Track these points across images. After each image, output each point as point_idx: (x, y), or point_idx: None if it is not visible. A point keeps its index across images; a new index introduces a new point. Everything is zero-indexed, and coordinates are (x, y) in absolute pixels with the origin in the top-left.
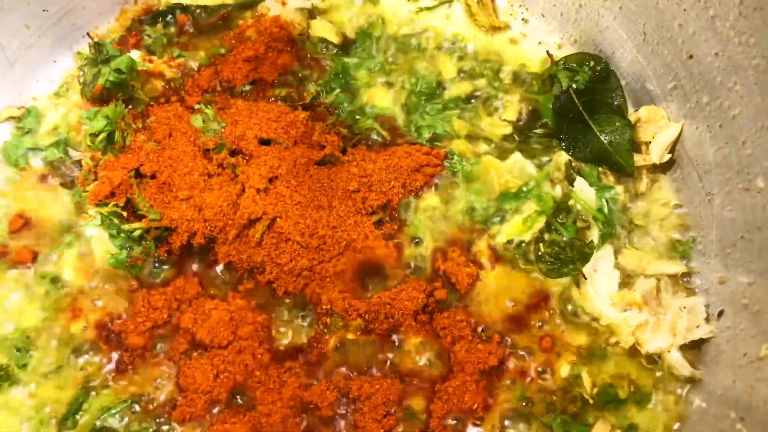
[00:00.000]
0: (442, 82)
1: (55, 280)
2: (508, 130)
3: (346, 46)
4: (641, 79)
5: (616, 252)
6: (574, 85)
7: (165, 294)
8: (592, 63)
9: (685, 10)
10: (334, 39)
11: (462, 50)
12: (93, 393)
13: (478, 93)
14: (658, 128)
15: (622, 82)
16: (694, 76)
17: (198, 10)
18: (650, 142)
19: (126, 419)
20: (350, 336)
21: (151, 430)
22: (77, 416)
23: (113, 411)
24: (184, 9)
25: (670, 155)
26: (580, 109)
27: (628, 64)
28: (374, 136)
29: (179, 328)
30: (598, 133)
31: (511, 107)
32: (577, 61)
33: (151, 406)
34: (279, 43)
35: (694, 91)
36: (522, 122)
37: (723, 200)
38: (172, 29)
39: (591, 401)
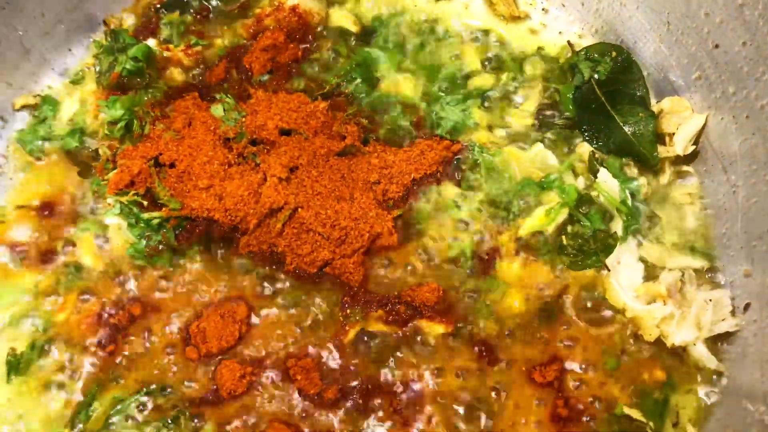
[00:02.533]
0: (465, 73)
1: (78, 268)
2: (529, 120)
3: (365, 35)
4: (664, 70)
5: (640, 244)
6: (596, 76)
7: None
8: (613, 53)
9: None
10: (353, 28)
11: (484, 41)
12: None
13: (500, 84)
14: (681, 119)
15: (645, 73)
16: (719, 66)
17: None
18: (674, 133)
19: (146, 408)
20: (371, 327)
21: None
22: (89, 410)
23: (128, 402)
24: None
25: (694, 147)
26: (602, 100)
27: (650, 55)
28: (401, 122)
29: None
30: (621, 124)
31: (533, 98)
32: (598, 51)
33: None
34: (297, 33)
35: (719, 81)
36: (544, 113)
37: (748, 192)
38: (189, 17)
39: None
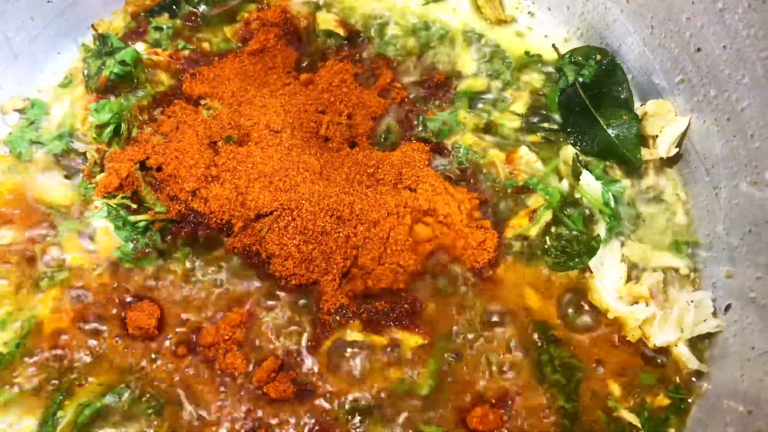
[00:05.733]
0: (456, 76)
1: (60, 268)
2: (516, 123)
3: (352, 38)
4: (648, 73)
5: (623, 246)
6: (580, 79)
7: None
8: (598, 56)
9: (693, 2)
10: (341, 31)
11: (476, 44)
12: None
13: (493, 88)
14: (665, 122)
15: (629, 76)
16: (701, 69)
17: (203, 3)
18: (657, 135)
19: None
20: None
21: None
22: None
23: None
24: (189, 1)
25: (677, 149)
26: (587, 102)
27: (634, 58)
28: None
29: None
30: (605, 127)
31: (520, 100)
32: (583, 54)
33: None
34: (285, 36)
35: (701, 84)
36: (529, 115)
37: (730, 194)
38: (178, 22)
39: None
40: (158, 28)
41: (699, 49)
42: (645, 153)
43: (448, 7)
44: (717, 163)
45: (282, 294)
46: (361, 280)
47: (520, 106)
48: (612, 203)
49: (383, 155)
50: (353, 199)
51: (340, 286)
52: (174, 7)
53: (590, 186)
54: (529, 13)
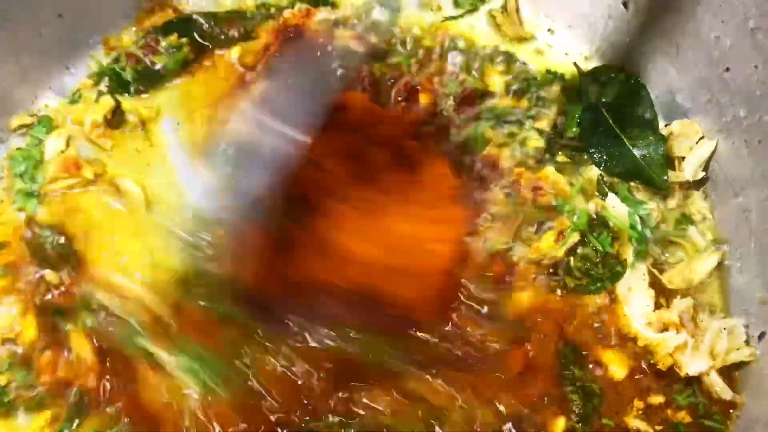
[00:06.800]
0: (480, 94)
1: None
2: (540, 143)
3: (371, 55)
4: (673, 92)
5: (651, 270)
6: (603, 99)
7: None
8: (621, 76)
9: (723, 22)
10: (359, 49)
11: (502, 61)
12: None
13: (520, 108)
14: (691, 143)
15: (653, 95)
16: (730, 89)
17: (208, 23)
18: (683, 157)
19: None
20: None
21: None
22: None
23: None
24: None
25: (704, 173)
26: (611, 123)
27: (659, 77)
28: None
29: None
30: (631, 148)
31: (545, 119)
32: (605, 73)
33: None
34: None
35: (730, 104)
36: (553, 135)
37: (761, 217)
38: (186, 41)
39: None
40: (168, 47)
41: (728, 69)
42: (671, 175)
43: (465, 24)
44: (746, 186)
45: None
46: None
47: (545, 124)
48: (639, 226)
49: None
50: None
51: None
52: (186, 25)
53: (616, 209)
54: (549, 30)
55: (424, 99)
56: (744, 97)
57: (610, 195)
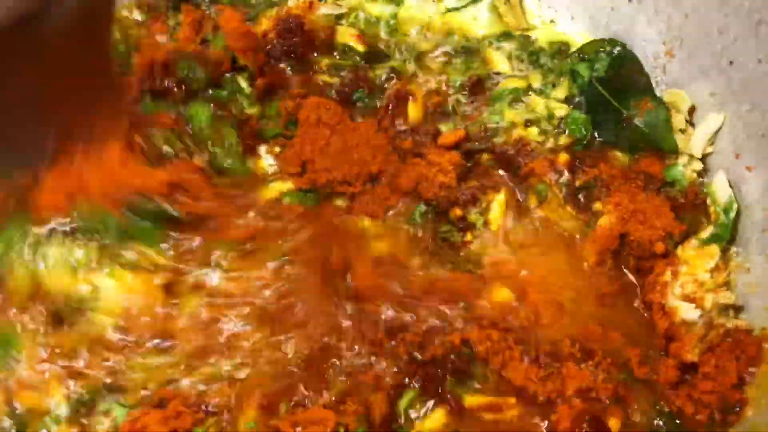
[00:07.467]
0: (490, 78)
1: None
2: (563, 111)
3: (371, 53)
4: (677, 85)
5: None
6: (595, 74)
7: None
8: (607, 47)
9: (726, 15)
10: (360, 47)
11: (505, 42)
12: None
13: (530, 79)
14: (684, 115)
15: (657, 90)
16: (734, 83)
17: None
18: (682, 129)
19: None
20: None
21: None
22: None
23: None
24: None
25: (711, 148)
26: (608, 97)
27: (662, 70)
28: None
29: None
30: (632, 117)
31: (561, 87)
32: (592, 49)
33: None
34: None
35: (733, 98)
36: (572, 99)
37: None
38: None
39: None
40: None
41: (731, 63)
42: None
43: (468, 16)
44: (749, 181)
45: None
46: None
47: (562, 91)
48: (732, 214)
49: None
50: None
51: None
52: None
53: (721, 189)
54: (551, 21)
55: (413, 112)
56: (747, 91)
57: (720, 174)
